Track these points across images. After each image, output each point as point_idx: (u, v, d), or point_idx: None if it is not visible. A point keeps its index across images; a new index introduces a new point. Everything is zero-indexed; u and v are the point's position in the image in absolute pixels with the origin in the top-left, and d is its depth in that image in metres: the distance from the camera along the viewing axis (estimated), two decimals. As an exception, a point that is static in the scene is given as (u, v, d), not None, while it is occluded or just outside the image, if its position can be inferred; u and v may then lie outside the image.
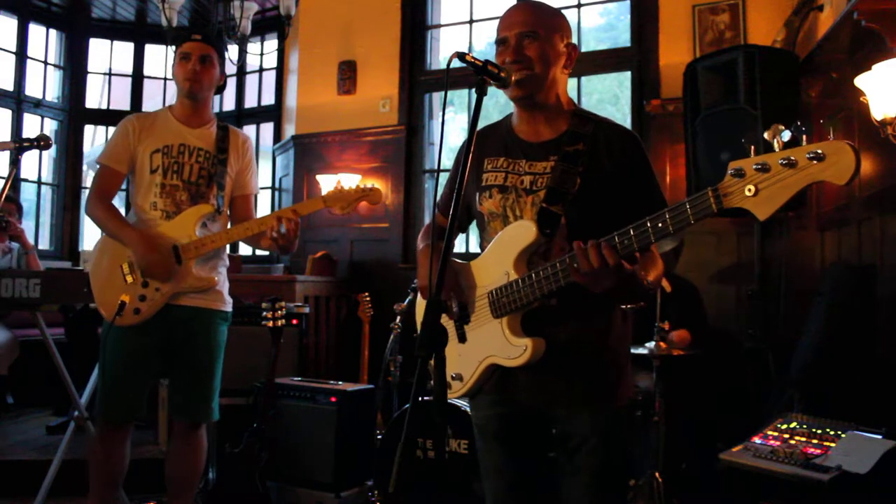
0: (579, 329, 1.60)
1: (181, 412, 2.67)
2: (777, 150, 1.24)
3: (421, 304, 1.82)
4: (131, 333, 2.51)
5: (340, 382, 3.56)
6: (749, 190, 1.24)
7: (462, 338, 1.69)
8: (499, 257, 1.62)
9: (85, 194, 6.64)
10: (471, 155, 1.46)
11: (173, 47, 2.71)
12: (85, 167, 6.93)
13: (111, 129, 6.72)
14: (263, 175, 6.41)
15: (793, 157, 1.20)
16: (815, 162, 1.18)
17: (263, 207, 6.38)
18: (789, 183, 1.21)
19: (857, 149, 1.16)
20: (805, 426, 2.30)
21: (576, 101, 1.77)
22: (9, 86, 6.07)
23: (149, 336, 2.53)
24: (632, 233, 1.38)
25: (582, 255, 1.40)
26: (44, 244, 6.36)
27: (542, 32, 1.62)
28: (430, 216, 5.04)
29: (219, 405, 2.69)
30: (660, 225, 1.35)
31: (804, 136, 1.21)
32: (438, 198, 1.97)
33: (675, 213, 1.33)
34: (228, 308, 2.70)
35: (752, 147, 1.29)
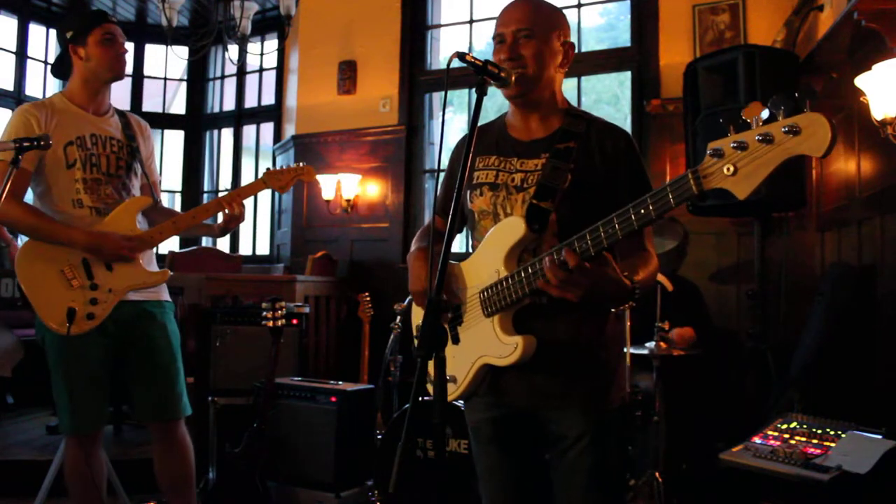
0: (571, 328, 1.58)
1: (157, 413, 2.50)
2: (755, 128, 1.21)
3: (416, 310, 1.78)
4: (87, 340, 2.34)
5: (340, 382, 3.56)
6: (728, 169, 1.22)
7: (455, 339, 1.67)
8: (489, 256, 1.60)
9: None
10: (470, 155, 1.45)
11: (83, 35, 2.43)
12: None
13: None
14: (263, 175, 6.41)
15: (769, 133, 1.18)
16: (791, 136, 1.16)
17: (264, 207, 6.39)
18: (767, 159, 1.19)
19: (832, 120, 1.13)
20: (805, 426, 2.30)
21: (576, 101, 1.77)
22: (9, 86, 6.07)
23: (107, 338, 2.40)
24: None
25: (546, 270, 1.41)
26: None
27: (539, 30, 1.61)
28: (430, 216, 5.03)
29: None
30: (642, 211, 1.33)
31: (781, 112, 1.19)
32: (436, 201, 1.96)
33: (657, 199, 1.32)
34: (169, 297, 2.62)
35: (732, 126, 1.26)
